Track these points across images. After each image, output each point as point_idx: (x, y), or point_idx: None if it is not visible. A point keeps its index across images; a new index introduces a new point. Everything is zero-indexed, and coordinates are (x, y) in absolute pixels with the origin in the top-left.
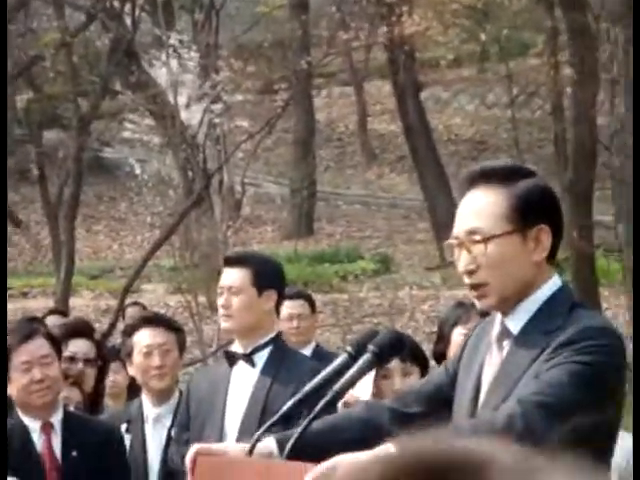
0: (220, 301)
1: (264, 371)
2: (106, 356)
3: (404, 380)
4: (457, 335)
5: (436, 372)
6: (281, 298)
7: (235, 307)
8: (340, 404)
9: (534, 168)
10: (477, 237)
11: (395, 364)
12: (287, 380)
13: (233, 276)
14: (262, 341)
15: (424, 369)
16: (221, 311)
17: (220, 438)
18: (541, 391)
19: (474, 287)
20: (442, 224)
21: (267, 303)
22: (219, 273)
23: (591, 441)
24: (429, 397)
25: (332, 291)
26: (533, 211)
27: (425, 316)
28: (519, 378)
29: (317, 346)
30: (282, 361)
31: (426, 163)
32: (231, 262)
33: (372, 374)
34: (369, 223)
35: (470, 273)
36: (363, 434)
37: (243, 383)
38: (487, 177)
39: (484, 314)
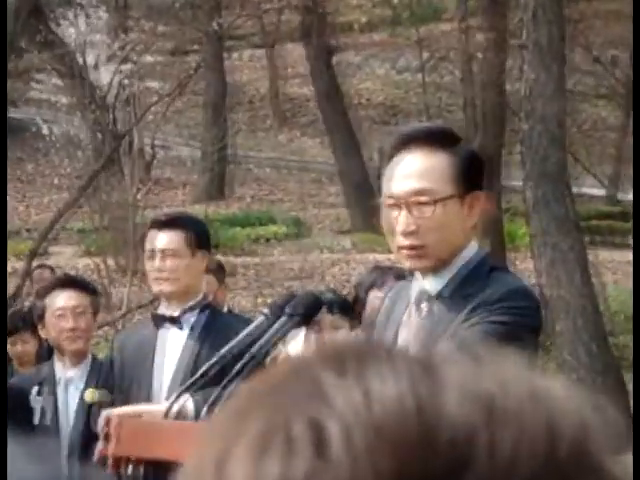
0: (153, 264)
1: (192, 334)
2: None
3: (335, 334)
4: (373, 298)
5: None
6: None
7: (171, 269)
8: (268, 361)
9: (448, 128)
10: (424, 198)
11: (325, 318)
12: (216, 343)
13: (167, 239)
14: (191, 303)
15: (353, 322)
16: (155, 274)
17: (148, 400)
18: (455, 349)
19: (411, 248)
20: (353, 188)
21: (201, 264)
22: (142, 236)
23: None
24: None
25: (243, 254)
26: (473, 177)
27: (335, 279)
28: (436, 339)
29: (229, 311)
30: (211, 324)
31: (337, 127)
32: (163, 224)
33: (302, 330)
34: (281, 186)
35: (410, 234)
36: None
37: (171, 346)
38: (424, 139)
39: (400, 277)
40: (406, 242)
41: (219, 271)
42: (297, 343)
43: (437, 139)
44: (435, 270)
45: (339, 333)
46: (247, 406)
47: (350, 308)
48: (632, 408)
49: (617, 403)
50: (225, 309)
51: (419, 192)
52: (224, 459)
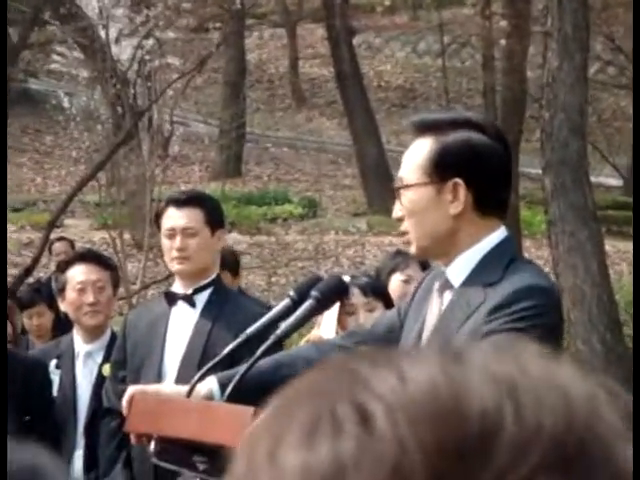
0: (173, 243)
1: (205, 312)
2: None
3: (368, 316)
4: (395, 281)
5: (389, 314)
6: None
7: (192, 248)
8: (303, 343)
9: (479, 117)
10: (397, 185)
11: (358, 300)
12: (228, 323)
13: (187, 217)
14: (204, 282)
15: (387, 303)
16: (174, 254)
17: (158, 378)
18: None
19: (403, 234)
20: (370, 170)
21: (219, 243)
22: (158, 214)
23: None
24: (379, 337)
25: (259, 233)
26: (449, 164)
27: (350, 262)
28: (457, 330)
29: (239, 290)
30: (224, 303)
31: (356, 109)
32: (182, 203)
33: (335, 312)
34: (297, 166)
35: (399, 220)
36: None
37: (183, 324)
38: (427, 126)
39: (423, 262)
40: (401, 228)
41: (234, 265)
42: (329, 325)
43: (435, 126)
44: (431, 256)
45: (372, 315)
46: (291, 402)
47: (384, 290)
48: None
49: (630, 393)
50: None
51: (399, 179)
52: (275, 448)
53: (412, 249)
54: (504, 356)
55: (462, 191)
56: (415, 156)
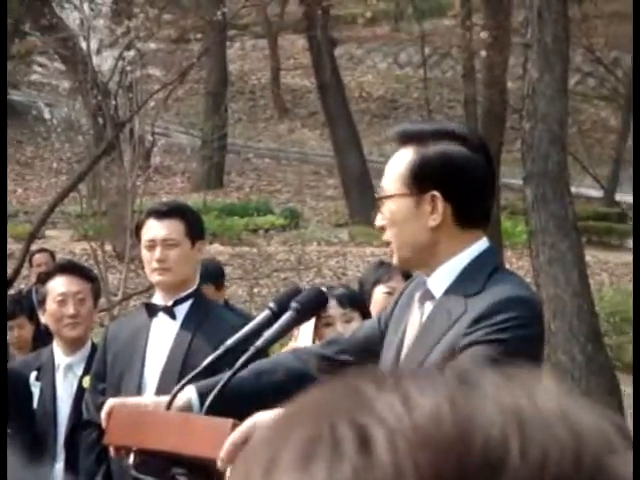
0: (153, 255)
1: (185, 324)
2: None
3: (345, 327)
4: (378, 293)
5: (368, 323)
6: None
7: (172, 260)
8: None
9: (461, 128)
10: (377, 196)
11: (335, 311)
12: (209, 334)
13: (168, 228)
14: (184, 293)
15: (364, 314)
16: (155, 265)
17: (138, 390)
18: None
19: (387, 243)
20: (352, 181)
21: (199, 254)
22: (139, 225)
23: None
24: (358, 347)
25: (241, 244)
26: (427, 176)
27: (332, 272)
28: (437, 341)
29: (225, 302)
30: (204, 315)
31: (337, 119)
32: (162, 214)
33: (312, 323)
34: (279, 177)
35: (382, 229)
36: (286, 379)
37: (163, 335)
38: (410, 137)
39: (406, 274)
40: (383, 238)
41: (218, 277)
42: (306, 335)
43: (416, 136)
44: (412, 267)
45: (350, 326)
46: (291, 417)
47: (361, 301)
48: (633, 408)
49: (611, 404)
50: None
51: (379, 189)
52: (271, 467)
53: (394, 259)
54: (515, 386)
55: (440, 203)
56: (396, 166)
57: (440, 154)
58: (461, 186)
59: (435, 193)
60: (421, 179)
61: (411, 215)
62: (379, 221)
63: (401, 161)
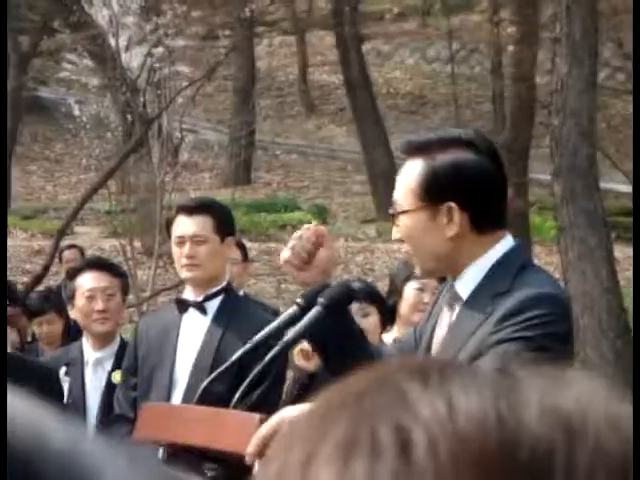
0: (183, 251)
1: (216, 319)
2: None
3: (362, 321)
4: (409, 289)
5: (406, 337)
6: None
7: (202, 256)
8: (296, 350)
9: (469, 134)
10: (391, 210)
11: (352, 306)
12: (239, 330)
13: (197, 225)
14: (215, 289)
15: (381, 309)
16: (184, 261)
17: (170, 385)
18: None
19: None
20: (379, 177)
21: (228, 250)
22: (169, 221)
23: None
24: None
25: (268, 240)
26: (441, 188)
27: (359, 268)
28: (465, 342)
29: (245, 295)
30: (234, 310)
31: (365, 116)
32: (191, 210)
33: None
34: (307, 174)
35: (399, 241)
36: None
37: (194, 331)
38: (416, 148)
39: None
40: (403, 250)
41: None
42: None
43: (423, 147)
44: (436, 275)
45: (367, 320)
46: (331, 411)
47: (378, 296)
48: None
49: None
50: (241, 292)
51: (394, 203)
52: (309, 461)
53: (417, 270)
54: (562, 389)
55: (456, 214)
56: (407, 180)
57: (450, 164)
58: (476, 193)
59: (451, 204)
60: (435, 191)
61: (428, 228)
62: (395, 234)
63: (411, 174)
